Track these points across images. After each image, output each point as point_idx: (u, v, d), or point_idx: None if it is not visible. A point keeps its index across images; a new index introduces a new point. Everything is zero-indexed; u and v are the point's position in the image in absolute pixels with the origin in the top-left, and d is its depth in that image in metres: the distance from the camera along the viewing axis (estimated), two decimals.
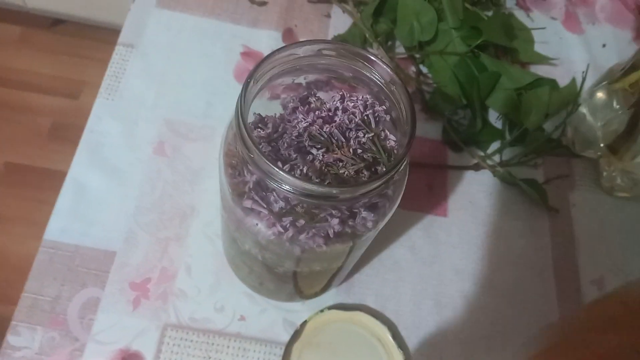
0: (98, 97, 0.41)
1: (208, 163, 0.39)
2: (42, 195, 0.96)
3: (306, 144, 0.23)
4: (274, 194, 0.22)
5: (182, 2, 0.46)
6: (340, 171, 0.23)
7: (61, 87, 1.11)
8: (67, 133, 1.05)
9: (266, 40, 0.46)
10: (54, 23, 1.17)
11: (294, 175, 0.20)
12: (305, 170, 0.22)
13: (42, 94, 1.10)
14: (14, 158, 1.02)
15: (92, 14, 1.11)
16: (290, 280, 0.30)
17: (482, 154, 0.43)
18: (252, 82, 0.21)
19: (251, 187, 0.22)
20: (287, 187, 0.20)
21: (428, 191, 0.41)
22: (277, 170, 0.20)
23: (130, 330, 0.33)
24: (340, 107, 0.25)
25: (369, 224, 0.24)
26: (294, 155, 0.23)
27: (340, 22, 0.48)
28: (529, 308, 0.38)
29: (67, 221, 0.36)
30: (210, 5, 0.47)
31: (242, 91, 0.21)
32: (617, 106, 0.40)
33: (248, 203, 0.22)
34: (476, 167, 0.42)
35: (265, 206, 0.22)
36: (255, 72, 0.21)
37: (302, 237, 0.23)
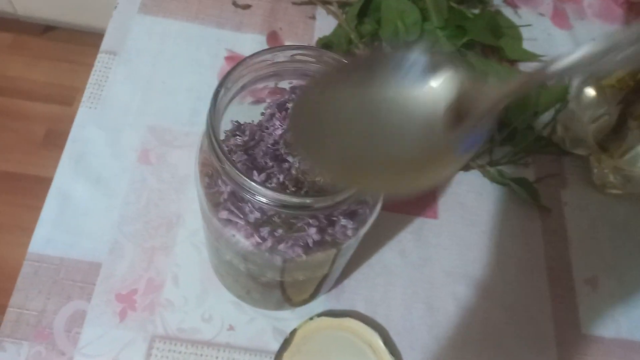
0: (81, 106, 0.40)
1: (193, 170, 0.39)
2: (37, 203, 0.96)
3: (282, 152, 0.23)
4: (249, 204, 0.22)
5: (165, 7, 0.46)
6: (317, 179, 0.22)
7: (55, 94, 1.10)
8: (61, 140, 1.04)
9: (250, 44, 0.45)
10: (46, 30, 1.16)
11: (266, 187, 0.19)
12: (281, 179, 0.22)
13: (35, 101, 1.09)
14: (8, 166, 1.02)
15: (84, 20, 1.10)
16: (277, 289, 0.30)
17: None
18: (222, 91, 0.21)
19: (226, 197, 0.22)
20: (261, 198, 0.20)
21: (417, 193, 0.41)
22: (249, 181, 0.19)
23: (117, 343, 0.33)
24: None
25: (349, 232, 0.23)
26: (271, 164, 0.23)
27: (325, 23, 0.47)
28: (521, 309, 0.37)
29: (52, 233, 0.35)
30: (194, 10, 0.46)
31: (212, 100, 0.20)
32: (606, 102, 0.40)
33: (224, 214, 0.22)
34: (465, 168, 0.42)
35: (241, 217, 0.22)
36: (226, 80, 0.21)
37: (282, 247, 0.22)
